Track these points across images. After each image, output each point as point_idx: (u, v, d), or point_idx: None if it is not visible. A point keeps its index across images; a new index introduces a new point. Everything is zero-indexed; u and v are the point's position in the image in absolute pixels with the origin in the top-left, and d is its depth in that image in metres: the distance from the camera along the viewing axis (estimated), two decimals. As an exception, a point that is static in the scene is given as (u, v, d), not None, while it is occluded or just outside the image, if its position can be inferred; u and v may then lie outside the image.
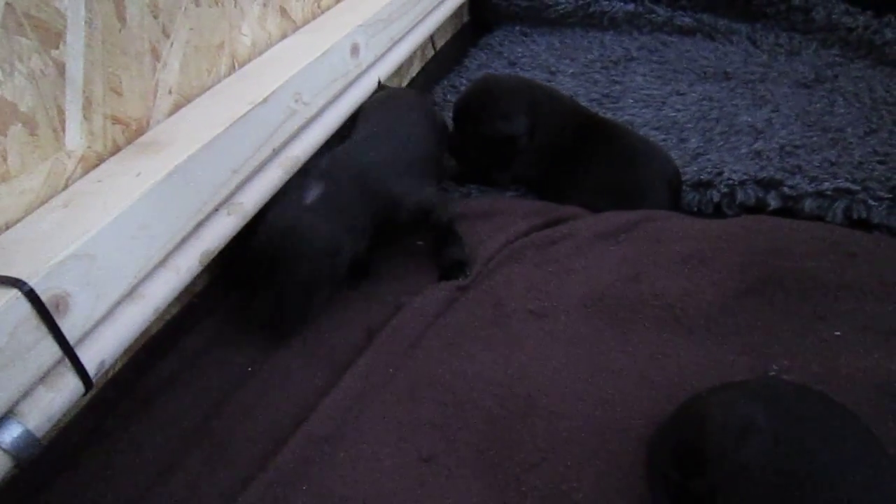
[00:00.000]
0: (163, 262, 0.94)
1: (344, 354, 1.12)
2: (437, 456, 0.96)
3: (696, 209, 1.50)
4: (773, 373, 1.04)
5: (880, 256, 1.22)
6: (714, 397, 0.87)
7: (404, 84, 2.09)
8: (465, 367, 1.08)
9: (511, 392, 1.03)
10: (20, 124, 0.86)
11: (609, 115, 1.82)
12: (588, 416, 0.99)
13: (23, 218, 0.86)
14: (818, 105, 1.83)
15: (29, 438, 0.74)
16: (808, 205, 1.43)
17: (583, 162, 1.45)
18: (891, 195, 1.40)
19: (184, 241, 0.97)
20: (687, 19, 2.33)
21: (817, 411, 0.78)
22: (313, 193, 1.11)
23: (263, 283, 1.10)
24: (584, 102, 1.91)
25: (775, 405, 0.79)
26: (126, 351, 1.03)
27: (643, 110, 1.86)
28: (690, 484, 0.83)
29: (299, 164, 1.23)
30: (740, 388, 0.87)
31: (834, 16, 2.16)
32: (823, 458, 0.71)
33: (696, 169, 1.55)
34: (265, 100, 1.11)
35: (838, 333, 1.10)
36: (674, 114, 1.83)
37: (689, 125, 1.77)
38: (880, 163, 1.54)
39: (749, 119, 1.77)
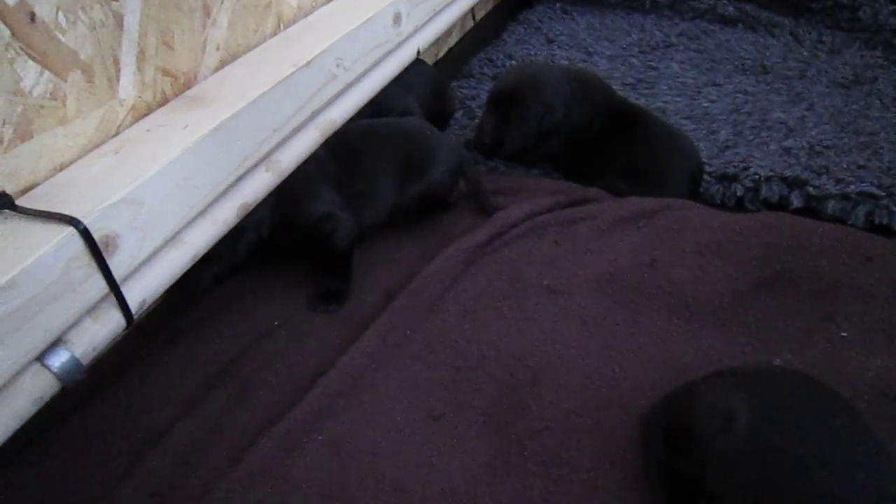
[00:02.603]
0: (203, 212, 0.99)
1: (363, 316, 1.18)
2: (446, 415, 1.01)
3: (719, 201, 1.52)
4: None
5: (895, 262, 1.23)
6: (704, 383, 0.91)
7: (441, 54, 2.11)
8: (479, 334, 1.13)
9: (521, 363, 1.08)
10: (79, 71, 0.91)
11: (642, 101, 1.83)
12: (592, 392, 1.03)
13: (77, 160, 0.91)
14: (854, 107, 1.82)
15: (75, 364, 0.80)
16: (832, 206, 1.44)
17: (609, 146, 1.48)
18: (915, 203, 1.41)
19: (224, 193, 1.02)
20: (730, 8, 2.31)
21: (805, 398, 0.81)
22: None
23: None
24: (618, 86, 1.92)
25: (762, 391, 0.82)
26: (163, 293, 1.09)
27: (676, 98, 1.87)
28: (679, 464, 0.88)
29: (336, 127, 1.26)
30: (730, 374, 0.91)
31: (881, 16, 2.13)
32: (806, 444, 0.75)
33: (722, 161, 1.57)
34: (308, 63, 1.15)
35: (844, 334, 1.13)
36: (707, 104, 1.84)
37: (722, 117, 1.78)
38: (909, 170, 1.55)
39: (782, 115, 1.78)
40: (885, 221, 1.40)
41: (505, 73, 1.68)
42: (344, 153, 1.27)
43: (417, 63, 1.62)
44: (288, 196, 1.17)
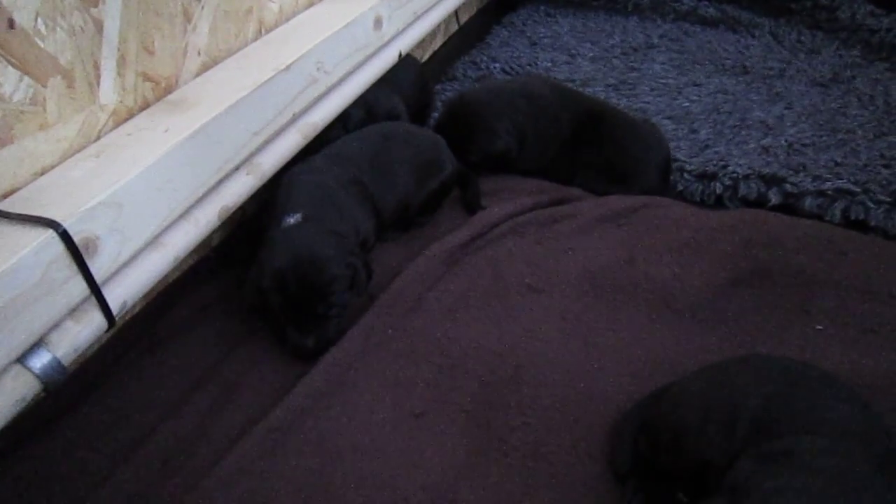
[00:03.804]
0: (184, 215, 1.00)
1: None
2: (427, 413, 1.02)
3: (698, 199, 1.54)
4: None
5: (870, 257, 1.26)
6: (689, 380, 0.92)
7: (426, 57, 2.13)
8: (461, 333, 1.14)
9: (502, 360, 1.10)
10: (59, 77, 0.92)
11: (623, 102, 1.85)
12: (571, 388, 1.05)
13: (58, 164, 0.93)
14: (832, 105, 1.85)
15: (56, 365, 0.81)
16: (809, 203, 1.46)
17: (580, 146, 1.50)
18: (890, 199, 1.44)
19: (205, 196, 1.04)
20: (711, 10, 2.34)
21: (800, 381, 0.82)
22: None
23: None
24: (600, 87, 1.95)
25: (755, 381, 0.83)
26: (145, 295, 1.10)
27: (658, 99, 1.89)
28: (659, 459, 0.89)
29: (317, 131, 1.28)
30: (716, 368, 0.92)
31: (858, 16, 2.16)
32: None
33: (702, 160, 1.59)
34: (288, 67, 1.16)
35: (820, 327, 1.15)
36: (688, 104, 1.86)
37: (702, 116, 1.80)
38: (885, 166, 1.57)
39: (761, 114, 1.80)
40: (860, 217, 1.42)
41: (446, 103, 1.66)
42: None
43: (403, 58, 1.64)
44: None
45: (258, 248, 1.14)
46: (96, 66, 0.97)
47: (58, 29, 0.90)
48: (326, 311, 1.08)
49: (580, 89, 1.81)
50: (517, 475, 0.94)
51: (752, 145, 1.66)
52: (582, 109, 1.54)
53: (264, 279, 1.06)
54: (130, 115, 1.05)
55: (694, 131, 1.74)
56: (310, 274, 1.06)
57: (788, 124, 1.75)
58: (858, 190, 1.46)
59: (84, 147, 0.97)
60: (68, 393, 1.04)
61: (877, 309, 1.17)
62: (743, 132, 1.73)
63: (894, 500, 0.66)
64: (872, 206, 1.43)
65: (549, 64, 2.12)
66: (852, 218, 1.43)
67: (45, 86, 0.90)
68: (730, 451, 0.77)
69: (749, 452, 0.74)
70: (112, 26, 0.98)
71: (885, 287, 1.20)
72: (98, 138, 1.00)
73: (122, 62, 1.01)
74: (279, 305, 1.06)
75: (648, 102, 1.87)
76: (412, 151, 1.37)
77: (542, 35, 2.31)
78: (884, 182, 1.50)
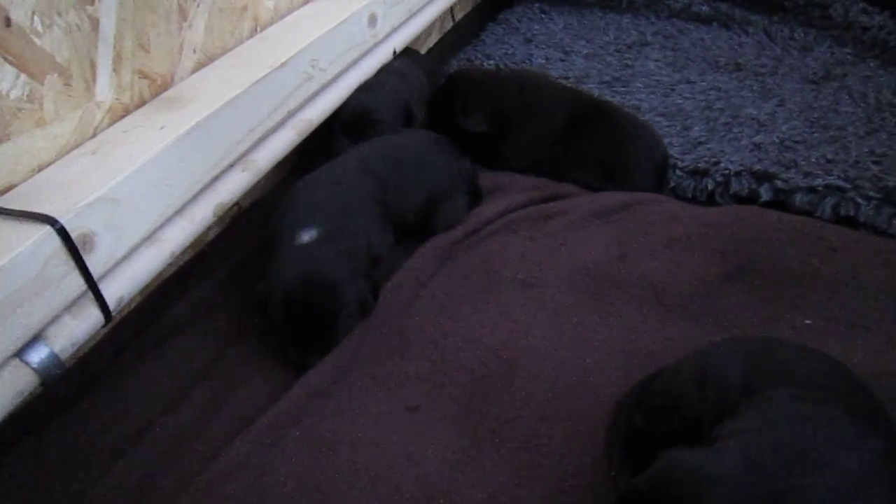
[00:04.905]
0: (180, 211, 1.02)
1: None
2: (421, 407, 1.04)
3: (690, 196, 1.55)
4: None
5: (859, 253, 1.27)
6: (683, 360, 0.96)
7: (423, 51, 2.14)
8: (455, 328, 1.15)
9: (495, 354, 1.11)
10: (56, 74, 0.93)
11: (617, 99, 1.86)
12: (563, 381, 1.06)
13: (55, 161, 0.94)
14: (824, 102, 1.86)
15: (54, 360, 0.82)
16: (799, 199, 1.48)
17: (575, 142, 1.51)
18: (880, 195, 1.45)
19: (200, 192, 1.05)
20: (704, 7, 2.35)
21: (778, 347, 0.88)
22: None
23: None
24: (594, 84, 1.96)
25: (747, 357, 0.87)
26: (142, 292, 1.11)
27: (651, 96, 1.90)
28: (656, 427, 0.91)
29: (312, 128, 1.29)
30: (706, 347, 0.96)
31: (851, 14, 2.17)
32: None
33: (694, 157, 1.60)
34: (283, 64, 1.17)
35: (809, 322, 1.16)
36: (681, 101, 1.87)
37: (695, 114, 1.81)
38: (875, 163, 1.58)
39: (754, 111, 1.81)
40: (850, 213, 1.44)
41: (446, 76, 1.68)
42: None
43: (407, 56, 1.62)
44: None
45: (269, 259, 1.12)
46: (92, 64, 0.98)
47: (54, 27, 0.90)
48: (332, 335, 1.09)
49: (575, 86, 1.82)
50: (511, 467, 0.95)
51: (744, 142, 1.68)
52: (578, 105, 1.55)
53: (273, 297, 1.05)
54: (126, 112, 1.06)
55: (687, 128, 1.75)
56: (321, 301, 1.05)
57: (780, 121, 1.76)
58: (849, 186, 1.47)
59: (81, 144, 0.98)
60: (66, 389, 1.05)
61: (866, 304, 1.18)
62: (735, 129, 1.74)
63: (855, 438, 0.70)
64: (862, 202, 1.44)
65: (544, 61, 2.13)
66: (842, 214, 1.45)
67: (41, 83, 0.91)
68: (721, 411, 0.81)
69: (733, 410, 0.79)
70: (108, 24, 0.99)
71: (874, 282, 1.22)
72: (94, 135, 1.01)
73: (118, 59, 1.02)
74: (284, 325, 1.07)
75: (642, 99, 1.88)
76: (434, 179, 1.33)
77: (536, 32, 2.32)
78: (874, 178, 1.51)
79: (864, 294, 1.20)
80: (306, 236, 1.10)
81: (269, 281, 1.08)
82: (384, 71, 1.55)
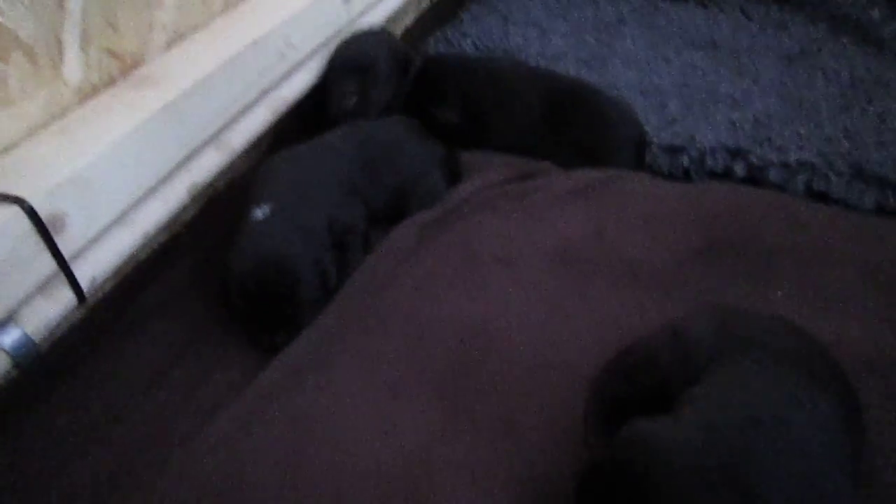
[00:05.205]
0: (153, 191, 1.00)
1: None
2: (399, 384, 1.04)
3: (666, 172, 1.56)
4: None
5: (831, 227, 1.29)
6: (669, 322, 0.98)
7: (398, 34, 2.12)
8: (432, 306, 1.16)
9: (473, 331, 1.12)
10: (21, 52, 0.91)
11: (595, 77, 1.86)
12: (541, 357, 1.07)
13: (22, 142, 0.92)
14: (798, 79, 1.88)
15: (27, 342, 0.81)
16: (773, 175, 1.50)
17: (553, 129, 1.51)
18: (851, 171, 1.48)
19: (173, 172, 1.04)
20: (681, -15, 2.35)
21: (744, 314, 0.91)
22: None
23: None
24: (571, 63, 1.96)
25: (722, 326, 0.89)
26: (117, 274, 1.10)
27: (628, 73, 1.91)
28: (632, 391, 0.93)
29: (287, 106, 1.28)
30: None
31: (825, -10, 2.19)
32: None
33: (670, 134, 1.61)
34: (256, 42, 1.16)
35: (780, 293, 1.18)
36: (657, 79, 1.88)
37: (671, 91, 1.82)
38: (848, 139, 1.60)
39: (729, 89, 1.82)
40: (822, 189, 1.46)
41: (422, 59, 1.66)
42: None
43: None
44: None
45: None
46: (59, 42, 0.96)
47: (18, 3, 0.88)
48: (295, 311, 1.07)
49: (551, 65, 1.82)
50: (489, 441, 0.96)
51: (719, 119, 1.69)
52: (554, 91, 1.55)
53: (230, 281, 1.05)
54: (96, 92, 1.04)
55: (663, 106, 1.76)
56: (274, 279, 1.04)
57: (755, 98, 1.78)
58: (821, 162, 1.49)
59: (49, 124, 0.96)
60: (42, 373, 1.04)
61: (835, 277, 1.20)
62: (711, 106, 1.75)
63: (813, 403, 0.72)
64: (834, 177, 1.47)
65: (521, 40, 2.12)
66: (815, 189, 1.47)
67: (6, 62, 0.89)
68: (690, 377, 0.83)
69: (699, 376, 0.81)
70: (74, 1, 0.97)
71: (845, 256, 1.24)
72: (63, 115, 0.99)
73: (85, 38, 1.00)
74: (244, 303, 1.06)
75: (619, 77, 1.89)
76: (405, 161, 1.34)
77: (514, 11, 2.31)
78: (846, 154, 1.54)
79: (834, 267, 1.22)
80: (260, 213, 1.10)
81: (226, 263, 1.08)
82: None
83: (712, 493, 0.65)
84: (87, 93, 1.02)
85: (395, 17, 1.92)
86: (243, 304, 1.06)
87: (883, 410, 0.96)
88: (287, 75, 1.27)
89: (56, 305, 0.86)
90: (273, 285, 1.05)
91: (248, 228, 1.09)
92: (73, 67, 0.99)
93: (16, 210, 0.78)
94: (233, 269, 1.05)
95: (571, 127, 1.50)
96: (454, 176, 1.42)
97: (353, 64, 1.44)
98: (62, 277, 0.86)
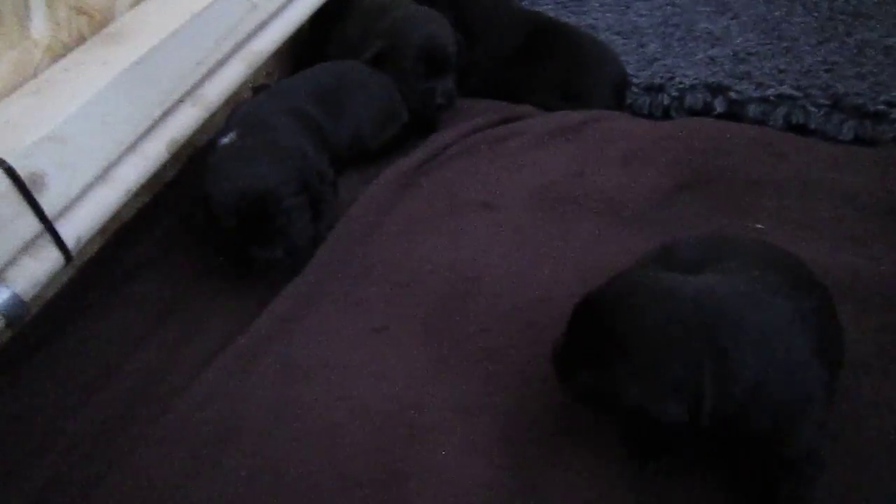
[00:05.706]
0: (132, 148, 1.00)
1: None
2: (388, 327, 1.06)
3: (646, 112, 1.57)
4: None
5: (808, 158, 1.31)
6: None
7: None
8: (418, 251, 1.17)
9: (458, 274, 1.14)
10: (-14, 12, 0.89)
11: (573, 19, 1.85)
12: (525, 295, 1.09)
13: (-5, 103, 0.91)
14: (777, 13, 1.87)
15: (17, 301, 0.82)
16: (752, 110, 1.50)
17: (533, 65, 1.50)
18: (829, 102, 1.48)
19: (150, 128, 1.03)
20: (660, -78, 2.30)
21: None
22: None
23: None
24: (549, 4, 1.94)
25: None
26: (102, 233, 1.11)
27: (607, 14, 1.89)
28: None
29: (262, 59, 1.27)
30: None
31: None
32: None
33: (650, 73, 1.62)
34: (226, -7, 1.14)
35: (761, 226, 1.20)
36: (636, 19, 1.87)
37: (650, 31, 1.81)
38: (826, 71, 1.61)
39: (708, 26, 1.82)
40: (801, 121, 1.47)
41: None
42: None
43: None
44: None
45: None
46: (25, 2, 0.95)
47: (-21, -40, 0.87)
48: (285, 221, 1.07)
49: (530, 6, 1.80)
50: (477, 377, 0.99)
51: (699, 56, 1.69)
52: (536, 26, 1.54)
53: (213, 207, 1.05)
54: (67, 51, 1.03)
55: (643, 45, 1.75)
56: (256, 188, 1.04)
57: (734, 34, 1.77)
58: (800, 95, 1.50)
59: (21, 84, 0.96)
60: (34, 332, 1.06)
61: (813, 206, 1.22)
62: (690, 44, 1.75)
63: (792, 293, 0.78)
64: (813, 109, 1.48)
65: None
66: (794, 122, 1.48)
67: (-29, 22, 0.88)
68: None
69: None
70: (37, -43, 0.95)
71: (823, 186, 1.25)
72: (35, 75, 0.98)
73: (50, -4, 0.99)
74: (235, 228, 1.05)
75: (597, 18, 1.88)
76: (367, 94, 1.35)
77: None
78: (824, 86, 1.54)
79: (812, 197, 1.24)
80: (225, 139, 1.12)
81: (204, 194, 1.07)
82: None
83: (686, 335, 0.71)
84: (58, 51, 1.01)
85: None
86: (232, 225, 1.05)
87: (858, 331, 0.99)
88: (260, 28, 1.25)
89: (43, 265, 0.87)
90: (251, 193, 1.04)
91: (215, 153, 1.10)
92: (41, 26, 0.98)
93: (-6, 170, 0.78)
94: (213, 195, 1.05)
95: (551, 66, 1.50)
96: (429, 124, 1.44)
97: None
98: (47, 237, 0.87)
